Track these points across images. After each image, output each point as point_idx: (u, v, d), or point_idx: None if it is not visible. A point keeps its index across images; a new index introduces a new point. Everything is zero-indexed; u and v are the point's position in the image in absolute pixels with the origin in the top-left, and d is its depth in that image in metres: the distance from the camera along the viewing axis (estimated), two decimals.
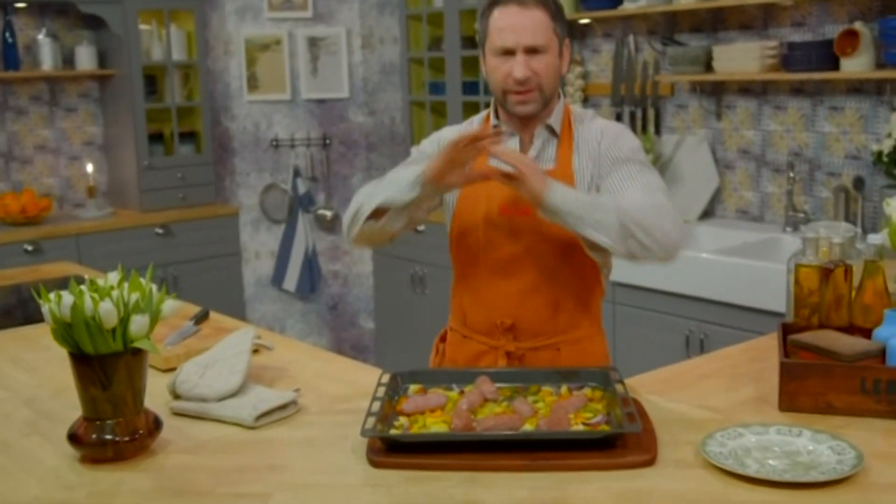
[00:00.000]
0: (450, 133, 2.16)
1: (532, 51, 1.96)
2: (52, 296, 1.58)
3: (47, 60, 4.62)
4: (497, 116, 2.11)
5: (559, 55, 2.02)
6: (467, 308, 2.13)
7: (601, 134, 2.07)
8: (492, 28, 2.00)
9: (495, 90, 2.04)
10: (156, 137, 4.88)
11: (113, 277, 1.63)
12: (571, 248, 2.04)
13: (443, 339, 2.26)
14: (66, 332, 1.58)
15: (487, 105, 2.31)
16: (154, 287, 1.65)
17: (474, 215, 2.07)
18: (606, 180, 2.01)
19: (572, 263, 2.07)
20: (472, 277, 2.11)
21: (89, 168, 4.84)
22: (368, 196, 2.02)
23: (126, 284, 1.61)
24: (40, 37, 4.62)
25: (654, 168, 2.09)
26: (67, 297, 1.55)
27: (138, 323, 1.58)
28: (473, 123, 2.17)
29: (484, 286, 2.09)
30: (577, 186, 2.02)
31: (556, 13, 2.00)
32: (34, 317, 2.71)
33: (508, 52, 1.97)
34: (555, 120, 2.07)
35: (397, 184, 1.97)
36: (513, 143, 2.07)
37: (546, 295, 2.07)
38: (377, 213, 2.00)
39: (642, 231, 1.85)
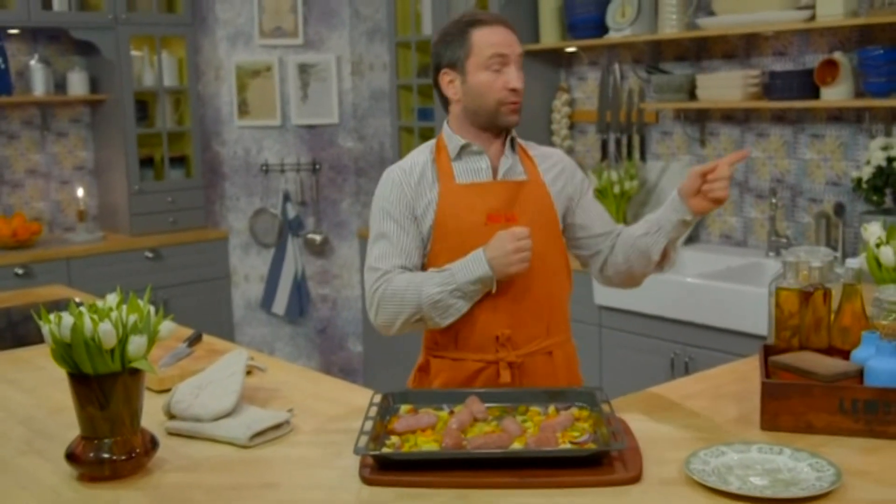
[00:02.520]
0: (396, 172, 2.15)
1: (518, 64, 2.10)
2: (52, 317, 1.61)
3: (39, 86, 4.65)
4: (467, 135, 2.14)
5: None
6: (459, 327, 2.11)
7: (559, 158, 2.25)
8: (479, 44, 2.08)
9: (488, 104, 2.09)
10: (146, 162, 4.92)
11: (112, 299, 1.67)
12: (553, 251, 2.14)
13: (421, 369, 2.24)
14: (66, 353, 1.61)
15: None
16: (152, 309, 1.68)
17: (459, 228, 2.09)
18: (581, 204, 2.22)
19: (555, 266, 2.14)
20: None
21: (80, 192, 4.86)
22: (394, 313, 2.10)
23: (125, 306, 1.65)
24: (33, 62, 4.66)
25: None
26: (67, 318, 1.59)
27: (136, 344, 1.61)
28: (422, 153, 2.17)
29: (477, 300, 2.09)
30: (550, 195, 2.16)
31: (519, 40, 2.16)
32: (25, 339, 2.74)
33: (502, 62, 2.07)
34: (512, 134, 2.19)
35: (450, 300, 2.05)
36: (483, 158, 2.14)
37: (537, 299, 2.12)
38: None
39: None
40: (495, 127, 2.12)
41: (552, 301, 2.16)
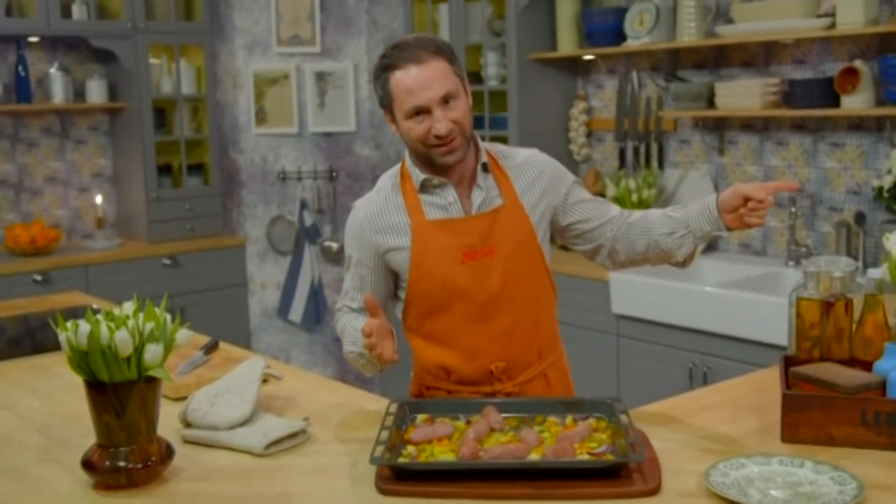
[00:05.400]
0: (361, 213, 2.08)
1: (445, 101, 1.94)
2: (69, 324, 1.61)
3: (59, 94, 4.68)
4: (424, 170, 2.04)
5: (466, 95, 2.01)
6: (450, 362, 2.07)
7: (536, 166, 2.12)
8: (397, 91, 1.94)
9: (417, 149, 1.99)
10: (164, 169, 4.94)
11: (128, 307, 1.67)
12: (536, 275, 2.08)
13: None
14: (82, 360, 1.61)
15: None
16: (168, 317, 1.68)
17: (436, 270, 2.02)
18: (570, 203, 2.11)
19: (539, 290, 2.10)
20: (449, 332, 2.06)
21: (98, 199, 4.89)
22: (351, 360, 2.09)
23: (141, 314, 1.65)
24: (52, 70, 4.69)
25: None
26: (84, 326, 1.59)
27: (152, 352, 1.61)
28: (386, 183, 2.09)
29: (465, 336, 2.05)
30: (528, 213, 2.06)
31: (451, 57, 1.99)
32: (43, 346, 2.75)
33: (423, 111, 1.94)
34: (483, 157, 2.06)
35: (360, 361, 2.05)
36: (448, 191, 2.03)
37: (528, 327, 2.08)
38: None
39: None
40: (437, 166, 2.00)
41: (540, 326, 2.10)
